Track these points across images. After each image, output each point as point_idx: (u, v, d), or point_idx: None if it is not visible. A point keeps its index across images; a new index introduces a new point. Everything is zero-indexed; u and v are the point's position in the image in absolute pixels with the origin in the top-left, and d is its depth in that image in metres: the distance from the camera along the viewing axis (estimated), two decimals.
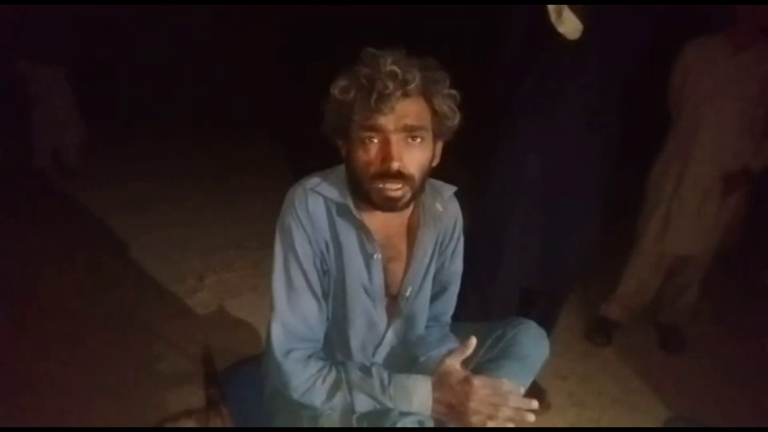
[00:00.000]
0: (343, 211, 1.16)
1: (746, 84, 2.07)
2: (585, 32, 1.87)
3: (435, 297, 1.30)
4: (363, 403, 1.08)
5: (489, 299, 2.08)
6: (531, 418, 1.04)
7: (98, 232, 3.36)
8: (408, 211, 1.20)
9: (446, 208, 1.25)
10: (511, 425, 1.03)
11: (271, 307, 1.17)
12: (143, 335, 2.50)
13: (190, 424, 1.40)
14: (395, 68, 1.03)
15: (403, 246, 1.22)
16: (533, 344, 1.19)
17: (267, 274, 2.95)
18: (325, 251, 1.16)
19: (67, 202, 3.67)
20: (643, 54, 1.90)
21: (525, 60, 1.96)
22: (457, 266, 1.31)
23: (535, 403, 1.05)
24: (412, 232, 1.22)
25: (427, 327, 1.30)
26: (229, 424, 1.26)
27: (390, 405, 1.07)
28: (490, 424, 1.03)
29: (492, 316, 2.02)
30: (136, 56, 4.77)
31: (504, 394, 1.04)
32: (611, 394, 2.22)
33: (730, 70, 2.08)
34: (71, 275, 2.89)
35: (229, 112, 4.87)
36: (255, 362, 1.45)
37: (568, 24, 1.88)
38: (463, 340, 1.12)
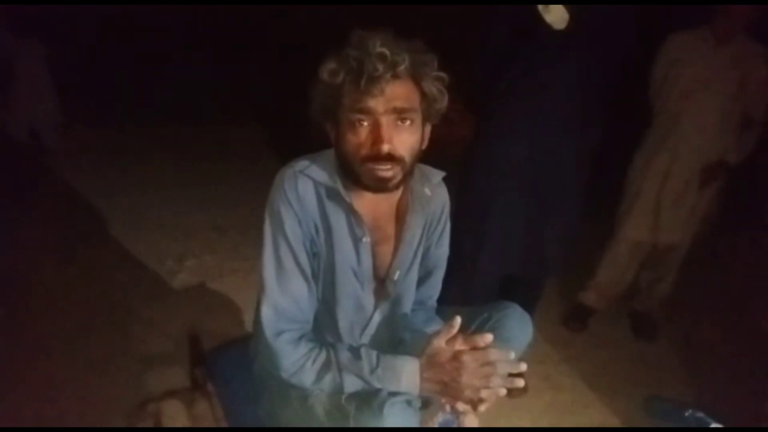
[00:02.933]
0: (332, 194, 1.16)
1: (726, 78, 2.12)
2: (571, 22, 1.89)
3: (421, 281, 1.32)
4: (352, 384, 1.09)
5: (470, 284, 2.11)
6: (521, 383, 1.07)
7: (76, 214, 3.30)
8: (396, 195, 1.22)
9: (434, 192, 1.26)
10: (503, 392, 1.06)
11: (260, 288, 1.17)
12: (123, 316, 2.48)
13: (174, 404, 1.41)
14: (384, 50, 1.04)
15: (391, 229, 1.24)
16: (518, 327, 1.22)
17: (248, 257, 3.03)
18: (314, 233, 1.17)
19: (45, 183, 3.60)
20: (627, 47, 1.93)
21: (510, 48, 1.97)
22: (443, 251, 1.33)
23: (523, 366, 1.08)
24: (400, 216, 1.23)
25: (412, 311, 1.32)
26: (216, 405, 1.27)
27: (378, 386, 1.08)
28: (484, 394, 1.06)
29: (473, 301, 2.06)
30: (120, 40, 4.67)
31: (493, 363, 1.07)
32: (586, 378, 2.28)
33: (711, 64, 2.13)
34: (49, 256, 2.85)
35: (210, 97, 4.81)
36: (241, 344, 1.46)
37: (555, 13, 1.90)
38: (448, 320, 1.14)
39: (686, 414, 0.84)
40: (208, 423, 1.32)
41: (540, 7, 1.90)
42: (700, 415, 0.84)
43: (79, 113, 4.09)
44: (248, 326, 2.44)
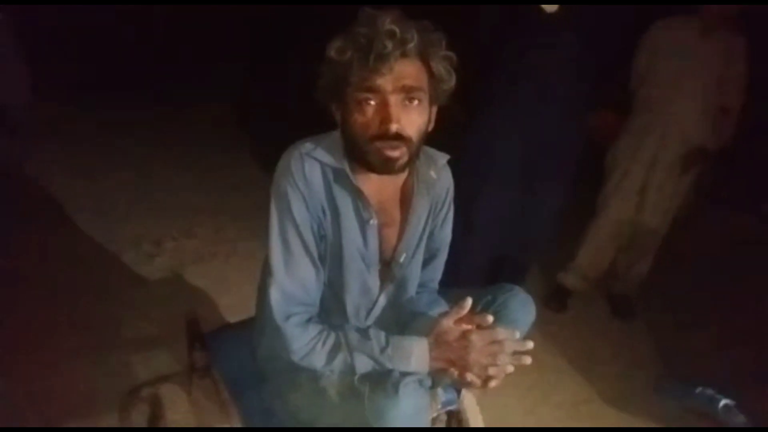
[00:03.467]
0: (339, 176, 1.15)
1: (710, 66, 2.17)
2: (562, 7, 1.92)
3: (425, 263, 1.33)
4: (363, 364, 1.10)
5: (457, 266, 2.14)
6: (528, 361, 1.10)
7: (44, 198, 3.18)
8: (402, 178, 1.22)
9: (440, 175, 1.27)
10: (510, 369, 1.09)
11: (267, 271, 1.16)
12: (102, 300, 2.42)
13: (172, 388, 1.39)
14: (394, 27, 1.03)
15: (396, 212, 1.24)
16: (522, 309, 1.25)
17: (228, 240, 2.99)
18: (321, 216, 1.16)
19: (13, 165, 3.44)
20: (617, 34, 1.97)
21: (502, 32, 1.99)
22: (446, 234, 1.34)
23: (530, 344, 1.11)
24: (406, 198, 1.23)
25: (416, 293, 1.34)
26: (222, 388, 1.26)
27: (389, 365, 1.09)
28: (491, 371, 1.08)
29: (462, 281, 2.09)
30: (93, 18, 4.48)
31: (500, 342, 1.09)
32: (567, 356, 2.35)
33: (696, 51, 2.18)
34: (22, 240, 2.75)
35: (183, 77, 4.68)
36: (240, 327, 1.45)
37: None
38: (457, 301, 1.16)
39: (696, 391, 0.88)
40: (210, 407, 1.31)
41: None
42: (710, 392, 0.87)
43: (47, 91, 3.92)
44: (232, 310, 2.44)
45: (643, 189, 2.37)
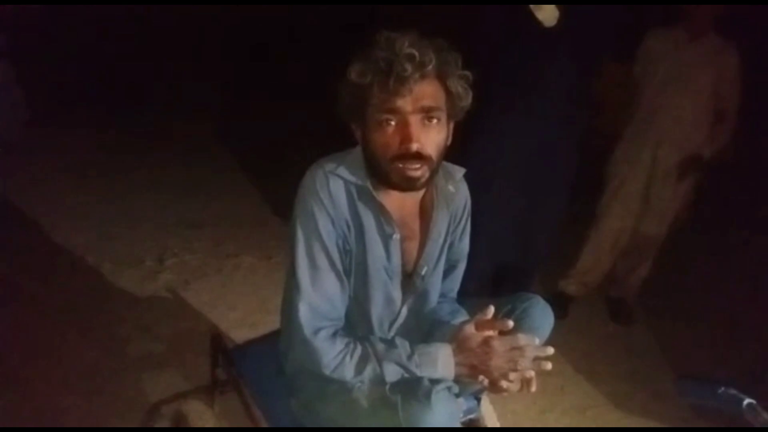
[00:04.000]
0: (362, 193, 1.19)
1: (699, 74, 2.24)
2: (561, 20, 1.98)
3: (445, 274, 1.36)
4: (392, 373, 1.13)
5: (464, 273, 2.18)
6: (548, 366, 1.13)
7: (42, 217, 3.16)
8: (422, 192, 1.25)
9: (457, 189, 1.31)
10: (531, 375, 1.13)
11: (294, 288, 1.18)
12: (108, 320, 2.42)
13: (195, 404, 1.40)
14: (413, 50, 1.07)
15: (417, 226, 1.27)
16: (542, 317, 1.29)
17: (230, 254, 2.99)
18: (346, 232, 1.19)
19: (8, 181, 3.41)
20: (613, 46, 2.04)
21: (502, 44, 2.04)
22: (465, 245, 1.38)
23: (550, 350, 1.15)
24: (425, 212, 1.27)
25: (437, 303, 1.37)
26: (252, 403, 1.28)
27: (417, 372, 1.12)
28: (512, 377, 1.12)
29: (466, 289, 2.13)
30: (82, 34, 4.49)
31: (521, 348, 1.13)
32: (571, 362, 2.39)
33: (684, 60, 2.25)
34: (21, 259, 2.73)
35: (174, 90, 4.69)
36: (263, 341, 1.47)
37: (546, 11, 1.99)
38: (480, 309, 1.19)
39: (719, 391, 0.92)
40: (237, 422, 1.33)
41: (532, 6, 1.98)
42: (734, 392, 0.91)
43: (43, 109, 3.91)
44: (240, 324, 2.46)
45: (641, 195, 2.42)
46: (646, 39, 2.33)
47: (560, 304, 2.68)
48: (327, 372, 1.14)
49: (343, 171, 1.18)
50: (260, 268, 2.93)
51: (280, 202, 3.44)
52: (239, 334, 2.29)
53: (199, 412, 1.34)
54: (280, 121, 4.48)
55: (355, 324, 1.26)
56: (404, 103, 1.08)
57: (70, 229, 3.03)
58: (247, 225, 3.32)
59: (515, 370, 1.13)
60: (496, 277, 2.29)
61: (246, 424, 1.65)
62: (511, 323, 1.15)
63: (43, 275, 2.64)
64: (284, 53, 5.10)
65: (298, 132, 4.27)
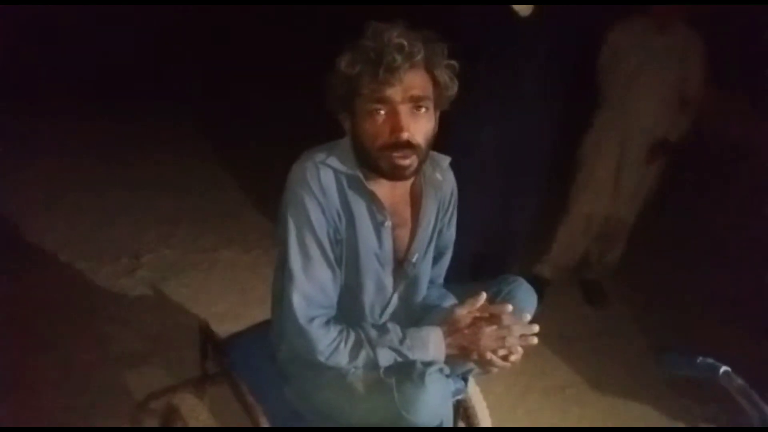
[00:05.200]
0: (353, 182, 1.21)
1: (668, 61, 2.32)
2: (536, 10, 2.03)
3: (433, 261, 1.39)
4: (386, 357, 1.15)
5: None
6: (534, 341, 1.18)
7: (15, 212, 3.08)
8: (410, 181, 1.28)
9: (444, 177, 1.34)
10: (520, 351, 1.17)
11: (287, 277, 1.19)
12: (88, 318, 2.39)
13: (186, 397, 1.40)
14: (402, 41, 1.09)
15: (407, 214, 1.30)
16: (526, 298, 1.33)
17: (207, 249, 2.98)
18: (337, 221, 1.21)
19: None
20: (587, 35, 2.10)
21: (479, 34, 2.08)
22: (452, 232, 1.41)
23: (536, 327, 1.19)
24: (415, 200, 1.30)
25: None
26: (246, 391, 1.29)
27: (410, 356, 1.15)
28: (501, 352, 1.16)
29: (449, 277, 2.18)
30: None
31: (508, 327, 1.17)
32: (547, 343, 2.44)
33: (653, 48, 2.32)
34: None
35: (150, 82, 4.61)
36: (252, 332, 1.48)
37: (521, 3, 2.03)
38: (464, 295, 1.23)
39: (698, 361, 0.98)
40: (230, 413, 1.34)
41: None
42: (711, 360, 0.97)
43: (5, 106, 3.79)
44: (221, 319, 2.44)
45: (611, 181, 2.50)
46: (613, 30, 2.39)
47: (535, 288, 2.73)
48: (322, 359, 1.16)
49: (332, 161, 1.20)
50: (239, 262, 2.92)
51: (256, 196, 3.42)
52: (222, 328, 2.26)
53: (190, 405, 1.33)
54: (252, 116, 4.46)
55: (347, 312, 1.28)
56: (394, 93, 1.10)
57: (43, 226, 2.97)
58: (223, 219, 3.30)
59: (503, 347, 1.17)
60: (474, 265, 2.33)
61: (238, 415, 1.67)
62: (510, 307, 1.19)
63: (17, 273, 2.58)
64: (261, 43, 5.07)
65: (271, 126, 4.25)
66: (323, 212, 1.18)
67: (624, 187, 2.52)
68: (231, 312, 2.47)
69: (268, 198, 2.96)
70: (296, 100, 4.07)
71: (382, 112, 1.12)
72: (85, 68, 4.51)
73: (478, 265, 2.35)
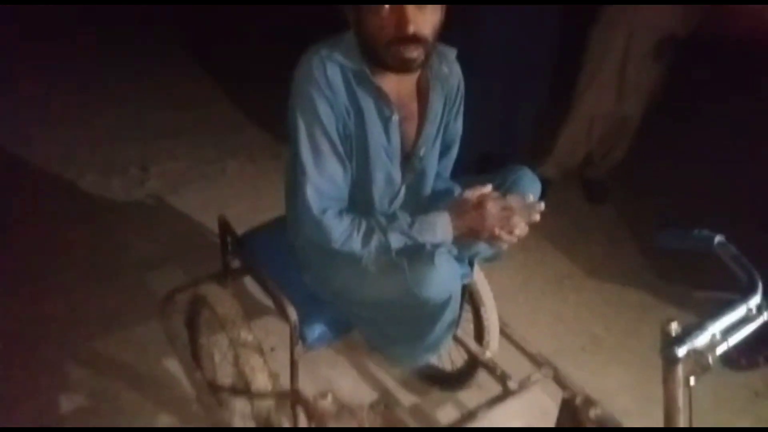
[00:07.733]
0: (359, 77, 1.22)
1: None
2: None
3: (440, 155, 1.43)
4: (396, 240, 1.22)
5: None
6: (536, 217, 1.23)
7: (18, 127, 3.09)
8: (417, 73, 1.29)
9: (451, 70, 1.34)
10: (525, 228, 1.23)
11: (299, 172, 1.23)
12: (102, 227, 2.47)
13: (212, 287, 1.49)
14: None
15: (414, 107, 1.32)
16: (531, 186, 1.38)
17: (213, 161, 3.01)
18: (345, 116, 1.23)
19: None
20: None
21: None
22: (459, 125, 1.44)
23: (541, 205, 1.24)
24: (422, 93, 1.31)
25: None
26: (267, 278, 1.37)
27: (419, 238, 1.22)
28: (507, 229, 1.22)
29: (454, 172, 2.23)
30: None
31: (512, 207, 1.23)
32: (548, 238, 2.56)
33: None
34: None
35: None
36: (268, 226, 1.56)
37: None
38: (469, 185, 1.27)
39: (694, 233, 1.04)
40: (249, 304, 1.43)
41: None
42: (706, 231, 1.03)
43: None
44: (235, 225, 2.52)
45: (616, 79, 2.45)
46: None
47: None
48: (337, 246, 1.23)
49: (338, 56, 1.20)
50: (246, 171, 2.97)
51: (256, 106, 3.41)
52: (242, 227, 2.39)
53: (215, 294, 1.42)
54: (247, 26, 4.33)
55: (358, 205, 1.34)
56: None
57: (47, 143, 3.00)
58: (226, 131, 3.31)
59: (508, 226, 1.22)
60: (477, 166, 2.38)
61: (260, 303, 1.78)
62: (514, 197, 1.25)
63: (29, 190, 2.64)
64: None
65: (266, 37, 4.14)
66: (331, 107, 1.20)
67: (629, 84, 2.46)
68: (242, 218, 2.53)
69: (267, 111, 2.96)
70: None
71: (387, 5, 1.11)
72: None
73: (482, 166, 2.40)
